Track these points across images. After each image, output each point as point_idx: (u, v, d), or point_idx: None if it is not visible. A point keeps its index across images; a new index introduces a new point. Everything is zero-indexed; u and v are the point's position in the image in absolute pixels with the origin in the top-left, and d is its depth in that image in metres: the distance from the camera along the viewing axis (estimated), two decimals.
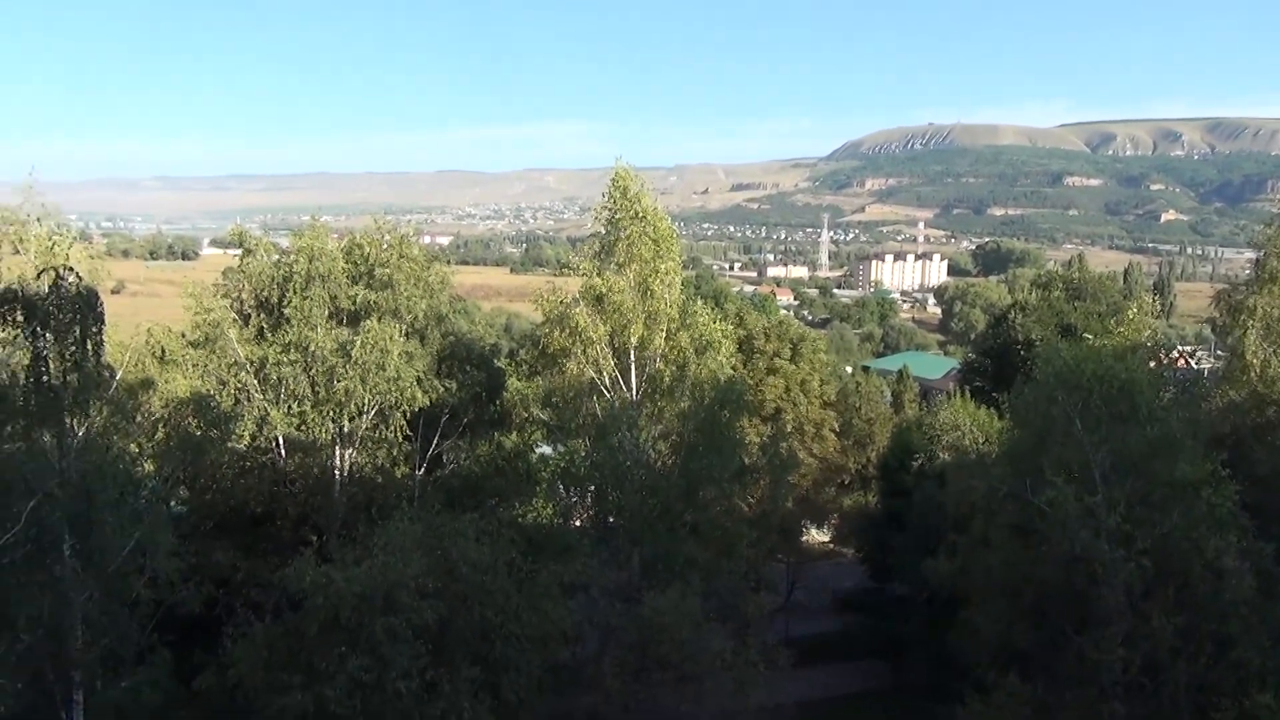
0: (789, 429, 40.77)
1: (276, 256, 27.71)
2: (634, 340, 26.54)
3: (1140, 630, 19.35)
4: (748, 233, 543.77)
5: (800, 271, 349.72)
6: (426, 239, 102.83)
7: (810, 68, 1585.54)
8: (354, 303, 26.75)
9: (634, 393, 26.86)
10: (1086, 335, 32.86)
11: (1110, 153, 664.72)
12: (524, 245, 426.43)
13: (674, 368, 27.11)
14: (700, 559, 25.59)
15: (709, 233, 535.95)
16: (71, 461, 17.18)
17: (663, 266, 26.52)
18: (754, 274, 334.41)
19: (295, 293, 26.00)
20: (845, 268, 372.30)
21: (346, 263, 27.44)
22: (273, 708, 16.45)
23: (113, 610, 17.61)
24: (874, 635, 35.56)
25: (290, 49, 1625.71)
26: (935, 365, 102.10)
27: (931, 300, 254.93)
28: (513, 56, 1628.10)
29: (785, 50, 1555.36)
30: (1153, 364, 27.75)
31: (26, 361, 16.37)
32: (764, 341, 44.41)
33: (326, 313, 26.35)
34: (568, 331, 26.57)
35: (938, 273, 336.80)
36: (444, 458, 28.80)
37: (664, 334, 26.86)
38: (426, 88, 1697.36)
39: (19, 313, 15.72)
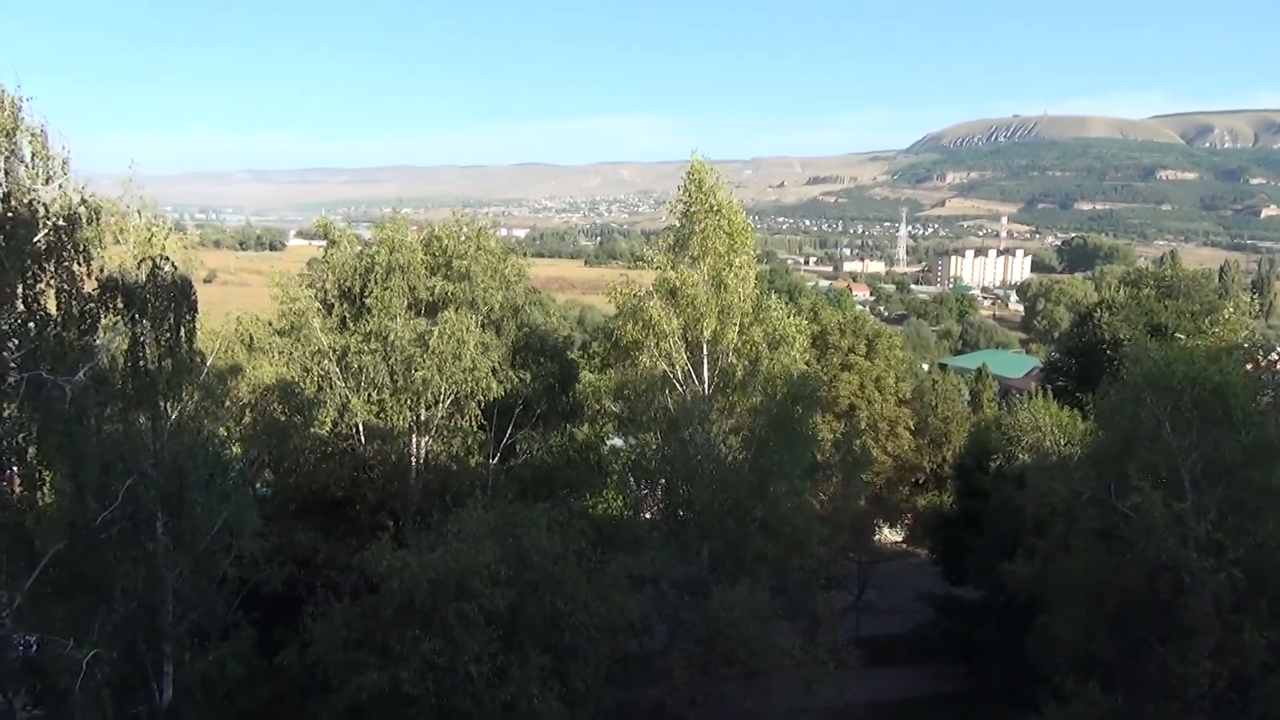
0: (863, 426, 40.26)
1: (359, 248, 28.46)
2: (707, 334, 26.42)
3: (1229, 643, 18.53)
4: (824, 227, 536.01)
5: (877, 266, 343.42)
6: (503, 231, 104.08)
7: (891, 59, 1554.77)
8: (432, 294, 27.26)
9: (706, 387, 26.77)
10: (1178, 335, 31.57)
11: (1207, 145, 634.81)
12: (598, 238, 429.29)
13: (747, 362, 26.92)
14: (770, 555, 25.43)
15: (784, 226, 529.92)
16: (165, 443, 17.86)
17: (737, 260, 26.32)
18: (829, 268, 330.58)
19: (376, 283, 26.65)
20: (923, 263, 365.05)
21: (425, 254, 27.95)
22: (350, 685, 16.86)
23: (201, 586, 18.31)
24: (947, 638, 34.91)
25: (375, 46, 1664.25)
26: (1016, 364, 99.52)
27: (1014, 297, 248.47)
28: (590, 50, 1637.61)
29: (865, 41, 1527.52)
30: (1250, 366, 26.48)
31: (125, 347, 17.05)
32: (839, 337, 43.89)
33: (406, 303, 26.93)
34: (641, 324, 26.59)
35: (1020, 269, 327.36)
36: (517, 448, 29.13)
37: (737, 328, 26.67)
38: (504, 82, 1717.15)
39: (119, 300, 16.33)
